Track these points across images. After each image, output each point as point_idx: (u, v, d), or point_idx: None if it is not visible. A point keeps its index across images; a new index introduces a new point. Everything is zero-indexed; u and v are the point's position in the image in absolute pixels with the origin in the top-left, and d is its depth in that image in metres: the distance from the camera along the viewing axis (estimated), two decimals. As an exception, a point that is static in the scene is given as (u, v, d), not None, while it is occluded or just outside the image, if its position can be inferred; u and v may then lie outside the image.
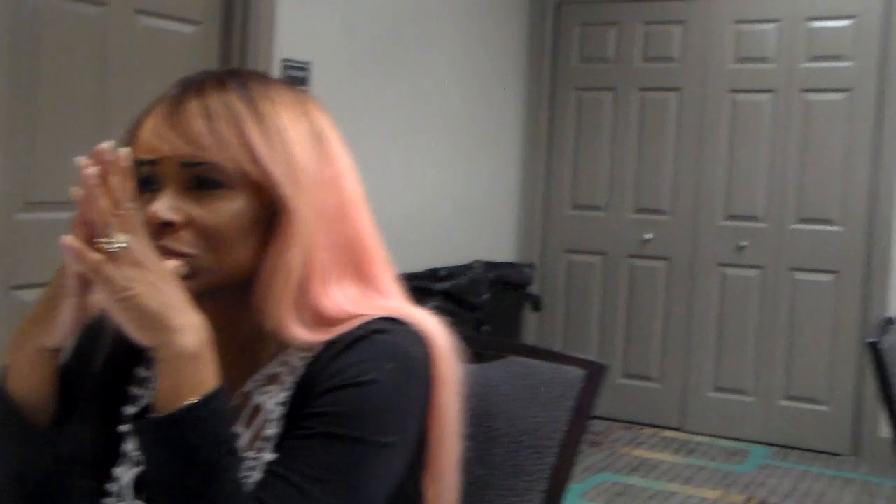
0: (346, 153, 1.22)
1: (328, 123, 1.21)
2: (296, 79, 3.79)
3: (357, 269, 1.18)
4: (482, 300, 4.27)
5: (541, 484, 1.67)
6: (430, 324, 1.18)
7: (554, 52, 5.45)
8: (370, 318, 1.13)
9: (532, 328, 5.38)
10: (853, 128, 4.85)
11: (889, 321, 2.38)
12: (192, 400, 0.97)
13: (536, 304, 4.90)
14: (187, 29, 3.36)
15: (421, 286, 4.06)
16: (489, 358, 1.78)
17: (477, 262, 4.65)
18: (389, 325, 1.13)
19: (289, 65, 3.75)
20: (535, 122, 5.44)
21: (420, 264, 4.42)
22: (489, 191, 5.18)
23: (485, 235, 5.12)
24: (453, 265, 4.48)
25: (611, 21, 5.35)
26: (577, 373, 1.71)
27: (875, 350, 2.08)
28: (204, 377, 0.99)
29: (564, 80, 5.45)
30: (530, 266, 4.95)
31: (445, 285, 4.08)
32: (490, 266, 4.63)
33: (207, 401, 0.98)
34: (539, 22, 5.42)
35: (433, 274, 4.25)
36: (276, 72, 3.67)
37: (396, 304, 1.19)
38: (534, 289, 5.01)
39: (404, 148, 4.46)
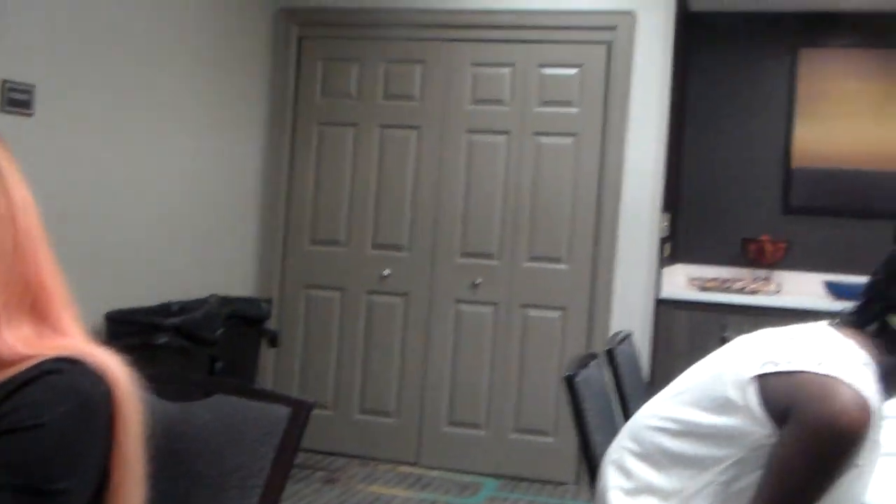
0: (25, 187, 1.15)
1: (5, 157, 1.14)
2: (18, 101, 3.61)
3: (33, 308, 1.12)
4: (216, 336, 4.18)
5: (244, 525, 1.64)
6: (110, 363, 1.13)
7: (296, 86, 5.45)
8: (44, 358, 1.08)
9: (269, 364, 5.32)
10: (579, 171, 5.11)
11: (591, 356, 2.51)
12: None
13: (273, 340, 4.85)
14: None
15: (152, 321, 3.93)
16: (196, 396, 1.74)
17: (213, 296, 4.55)
18: (64, 365, 1.08)
19: (10, 87, 3.56)
20: (275, 156, 5.41)
21: (154, 298, 4.29)
22: (227, 224, 5.10)
23: (222, 269, 5.04)
24: (188, 300, 4.37)
25: (353, 58, 5.40)
26: (283, 411, 1.69)
27: (570, 384, 2.18)
28: None
29: (306, 115, 5.45)
30: (268, 301, 4.89)
31: (177, 320, 3.96)
32: (226, 300, 4.55)
33: None
34: (282, 56, 5.41)
35: (166, 308, 4.13)
36: (-6, 94, 3.48)
37: (75, 343, 1.14)
38: (271, 324, 4.96)
39: (139, 178, 4.32)
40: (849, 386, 1.74)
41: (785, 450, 1.79)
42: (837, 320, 1.94)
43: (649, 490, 1.99)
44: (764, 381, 1.83)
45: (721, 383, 1.90)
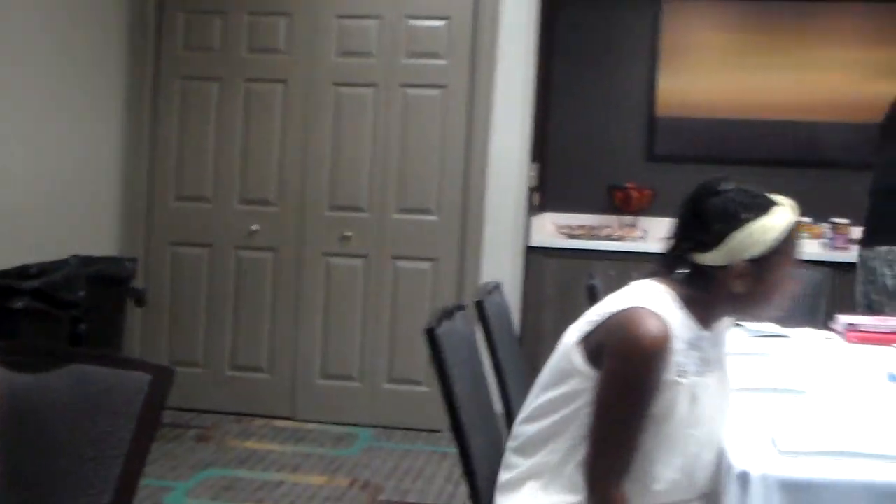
0: None
1: None
2: None
3: None
4: (78, 297, 4.07)
5: (105, 496, 1.62)
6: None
7: (157, 39, 5.29)
8: None
9: (136, 323, 5.22)
10: (448, 122, 5.12)
11: (457, 308, 2.54)
12: None
13: (140, 299, 4.75)
14: None
15: (8, 285, 3.81)
16: (51, 367, 1.70)
17: (73, 257, 4.42)
18: None
19: None
20: (137, 112, 5.26)
21: (8, 261, 4.14)
22: (87, 182, 4.96)
23: (83, 229, 4.90)
24: (46, 261, 4.24)
25: (216, 10, 5.27)
26: (144, 378, 1.66)
27: (431, 336, 2.21)
28: None
29: (168, 69, 5.31)
30: (132, 260, 4.78)
31: (35, 283, 3.84)
32: (88, 261, 4.43)
33: None
34: (141, 8, 5.24)
35: (23, 271, 4.00)
36: None
37: None
38: (137, 283, 4.86)
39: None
40: (646, 310, 1.94)
41: (602, 382, 1.97)
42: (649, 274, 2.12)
43: (528, 476, 2.13)
44: (585, 340, 2.03)
45: (558, 359, 2.09)
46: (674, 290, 2.03)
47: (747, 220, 1.96)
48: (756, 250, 1.97)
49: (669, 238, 2.09)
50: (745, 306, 2.06)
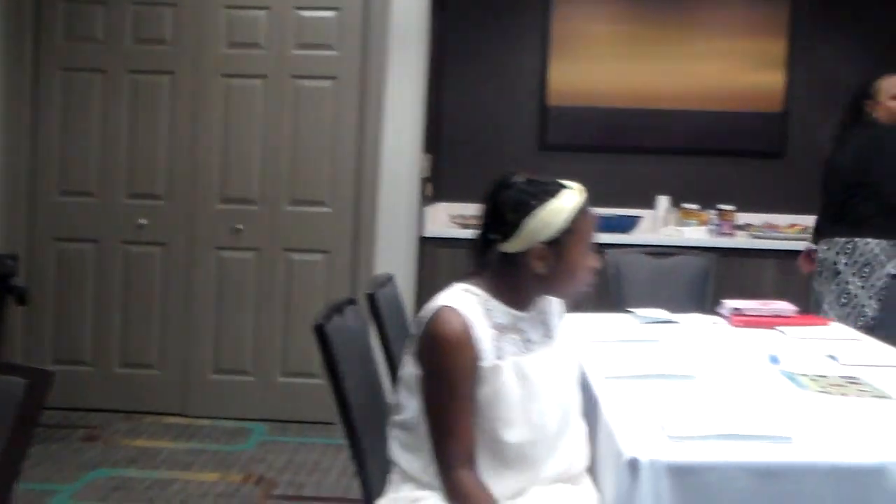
0: None
1: None
2: None
3: None
4: (-45, 296, 3.93)
5: (-21, 506, 1.56)
6: None
7: (36, 30, 5.12)
8: None
9: (18, 323, 5.06)
10: (339, 114, 5.09)
11: (347, 302, 2.53)
12: None
13: (22, 298, 4.60)
14: None
15: None
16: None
17: (-52, 255, 4.27)
18: None
19: None
20: (15, 105, 5.09)
21: None
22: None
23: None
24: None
25: (98, 0, 5.14)
26: (19, 383, 1.61)
27: (321, 333, 2.20)
28: None
29: (49, 61, 5.14)
30: (13, 257, 4.63)
31: None
32: (-34, 258, 4.28)
33: None
34: (17, -4, 5.08)
35: None
36: None
37: None
38: (19, 281, 4.71)
39: None
40: (446, 307, 2.10)
41: (422, 380, 2.14)
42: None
43: (403, 480, 2.23)
44: (413, 349, 2.18)
45: (404, 373, 2.22)
46: (484, 283, 2.19)
47: (536, 206, 2.12)
48: (548, 232, 2.13)
49: (476, 232, 2.22)
50: (551, 285, 2.21)
